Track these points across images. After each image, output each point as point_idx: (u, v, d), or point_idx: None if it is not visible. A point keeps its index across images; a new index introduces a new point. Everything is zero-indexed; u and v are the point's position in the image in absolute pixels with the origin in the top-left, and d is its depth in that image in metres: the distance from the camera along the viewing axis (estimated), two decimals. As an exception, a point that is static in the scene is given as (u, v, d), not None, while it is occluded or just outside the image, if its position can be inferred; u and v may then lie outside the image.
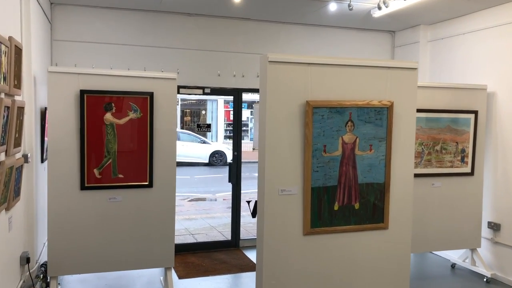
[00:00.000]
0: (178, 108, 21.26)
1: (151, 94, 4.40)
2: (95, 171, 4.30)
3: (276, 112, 3.14)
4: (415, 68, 3.44)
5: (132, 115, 4.38)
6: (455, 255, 5.81)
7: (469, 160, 5.40)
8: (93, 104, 4.24)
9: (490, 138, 5.49)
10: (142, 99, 4.39)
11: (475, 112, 5.36)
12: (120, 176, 4.40)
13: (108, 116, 4.31)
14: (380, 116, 3.35)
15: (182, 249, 6.27)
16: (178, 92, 5.81)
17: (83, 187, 4.26)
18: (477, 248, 5.49)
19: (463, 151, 5.38)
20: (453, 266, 5.79)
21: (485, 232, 5.50)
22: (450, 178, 5.35)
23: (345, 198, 3.33)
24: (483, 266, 5.38)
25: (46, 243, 4.58)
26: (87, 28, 5.70)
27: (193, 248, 6.39)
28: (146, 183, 4.47)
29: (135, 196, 4.45)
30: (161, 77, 4.48)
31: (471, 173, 5.41)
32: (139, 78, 4.41)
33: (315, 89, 3.20)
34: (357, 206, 3.37)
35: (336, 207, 3.32)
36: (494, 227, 5.41)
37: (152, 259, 4.57)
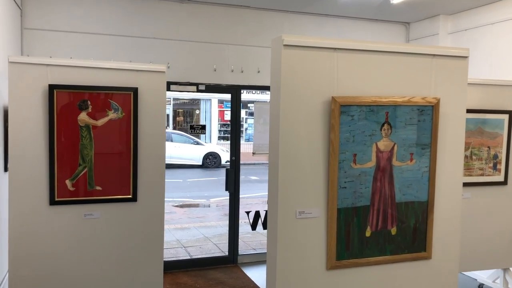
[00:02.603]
0: (170, 107, 20.50)
1: (135, 90, 3.67)
2: (67, 182, 3.56)
3: (293, 112, 2.42)
4: (466, 57, 2.73)
5: (112, 115, 3.65)
6: (483, 275, 5.13)
7: (502, 167, 4.71)
8: (64, 101, 3.51)
9: (525, 142, 4.80)
10: (124, 96, 3.65)
11: (509, 112, 4.67)
12: (98, 188, 3.66)
13: (83, 117, 3.58)
14: (423, 117, 2.64)
15: (173, 267, 5.55)
16: (169, 89, 5.10)
17: (52, 202, 3.52)
18: (510, 268, 4.81)
19: (495, 156, 4.69)
20: (480, 286, 5.11)
21: (519, 249, 4.82)
22: (481, 188, 4.65)
23: (379, 221, 2.62)
24: (518, 288, 4.70)
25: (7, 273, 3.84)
26: (64, 16, 4.96)
27: (186, 265, 5.67)
28: (129, 196, 3.73)
29: (116, 212, 3.72)
30: (147, 70, 3.75)
31: (505, 182, 4.72)
32: (120, 71, 3.67)
33: (342, 82, 2.49)
34: (394, 231, 2.66)
35: (368, 233, 2.60)
36: (530, 243, 4.73)
37: (137, 285, 3.83)
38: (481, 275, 5.14)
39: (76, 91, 3.53)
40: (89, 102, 3.58)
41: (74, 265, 3.60)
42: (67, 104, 3.51)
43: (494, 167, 4.70)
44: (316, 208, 2.48)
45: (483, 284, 5.11)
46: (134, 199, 3.74)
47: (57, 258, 3.55)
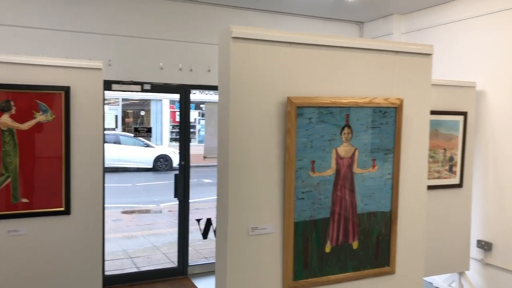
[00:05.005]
0: (119, 108, 19.71)
1: (67, 89, 3.26)
2: (-13, 195, 3.10)
3: (243, 114, 2.12)
4: (430, 54, 2.54)
5: (40, 117, 3.22)
6: (439, 279, 5.04)
7: (458, 169, 4.64)
8: (-17, 102, 3.06)
9: (480, 144, 4.76)
10: (54, 95, 3.24)
11: (464, 114, 4.60)
12: (24, 200, 3.22)
13: (5, 119, 3.13)
14: (386, 119, 2.42)
15: (118, 281, 5.12)
16: (110, 88, 4.68)
17: (-31, 218, 3.06)
18: (465, 271, 4.74)
19: (451, 159, 4.61)
20: (436, 291, 5.03)
21: (475, 252, 4.77)
22: (437, 191, 4.54)
23: (340, 235, 2.37)
24: (473, 291, 4.64)
25: None
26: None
27: (132, 279, 5.24)
28: (62, 208, 3.32)
29: (46, 227, 3.29)
30: (82, 67, 3.34)
31: (460, 185, 4.65)
32: (50, 68, 3.25)
33: (299, 81, 2.22)
34: (355, 245, 2.42)
35: (328, 249, 2.35)
36: (485, 246, 4.68)
37: (71, 308, 3.42)
38: (437, 279, 5.05)
39: (-4, 90, 3.08)
40: (12, 103, 3.14)
41: (-4, 289, 3.15)
42: (-15, 105, 3.06)
43: (450, 169, 4.61)
44: (271, 223, 2.20)
45: (439, 288, 5.03)
46: (67, 211, 3.33)
47: (-25, 282, 3.09)
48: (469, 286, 4.69)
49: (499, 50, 4.53)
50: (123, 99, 20.10)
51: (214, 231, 5.00)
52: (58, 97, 3.24)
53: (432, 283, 5.11)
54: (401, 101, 2.43)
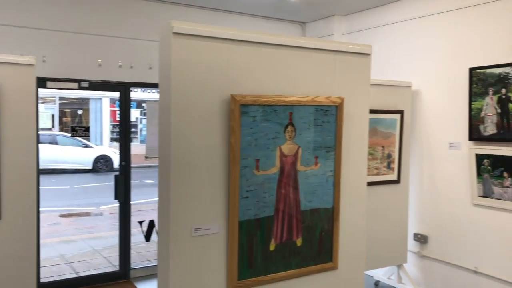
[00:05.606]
0: (56, 106, 18.84)
1: (-5, 86, 3.05)
2: None
3: (186, 112, 2.07)
4: (369, 54, 2.61)
5: (-36, 116, 2.99)
6: (379, 272, 5.22)
7: (395, 166, 4.82)
8: None
9: (415, 141, 4.97)
10: (-19, 93, 3.02)
11: (401, 113, 4.79)
12: None
13: None
14: (327, 117, 2.46)
15: (55, 287, 4.88)
16: (44, 86, 4.44)
17: None
18: (403, 264, 4.94)
19: (389, 156, 4.78)
20: (376, 284, 5.20)
21: (412, 245, 4.98)
22: (376, 187, 4.70)
23: (284, 232, 2.38)
24: (411, 283, 4.84)
25: None
26: None
27: (70, 285, 5.02)
28: (-9, 214, 3.10)
29: (-27, 234, 3.06)
30: (12, 62, 3.14)
31: (398, 181, 4.84)
32: (-25, 63, 3.03)
33: (243, 79, 2.20)
34: (299, 242, 2.44)
35: (272, 247, 2.35)
36: (421, 239, 4.90)
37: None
38: (377, 272, 5.23)
39: None
40: None
41: None
42: None
43: (388, 166, 4.78)
44: (215, 223, 2.17)
45: (379, 281, 5.21)
46: (-4, 217, 3.11)
47: None
48: (407, 278, 4.89)
49: (431, 51, 4.75)
50: (60, 98, 19.23)
51: (157, 233, 4.90)
52: (-15, 94, 3.02)
53: (372, 277, 5.27)
54: (342, 99, 2.48)
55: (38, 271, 4.35)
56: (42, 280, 4.81)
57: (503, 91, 4.03)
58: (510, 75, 3.97)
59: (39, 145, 4.23)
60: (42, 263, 4.95)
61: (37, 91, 3.64)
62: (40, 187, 4.34)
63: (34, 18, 4.54)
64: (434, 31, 4.71)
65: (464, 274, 4.47)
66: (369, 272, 5.30)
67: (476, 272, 4.34)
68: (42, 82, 4.37)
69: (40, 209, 4.31)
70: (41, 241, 4.42)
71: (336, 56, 2.48)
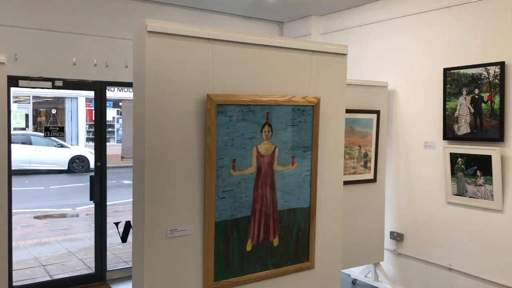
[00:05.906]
0: (30, 106, 18.45)
1: (-37, 85, 2.96)
2: None
3: (161, 112, 2.05)
4: (345, 54, 2.62)
5: None
6: (356, 270, 5.26)
7: (372, 165, 4.87)
8: None
9: (391, 140, 5.04)
10: None
11: (377, 112, 4.84)
12: None
13: None
14: (304, 117, 2.46)
15: (27, 292, 4.76)
16: (16, 85, 4.34)
17: None
18: (380, 262, 5.00)
19: (366, 155, 4.83)
20: (354, 282, 5.25)
21: (388, 243, 5.04)
22: (353, 186, 4.73)
23: (261, 233, 2.37)
24: (387, 281, 4.89)
25: None
26: None
27: (43, 289, 4.91)
28: (-41, 216, 3.01)
29: None
30: (-19, 60, 3.05)
31: (374, 180, 4.89)
32: None
33: (219, 78, 2.18)
34: (276, 242, 2.43)
35: (249, 247, 2.34)
36: (397, 237, 4.96)
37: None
38: (354, 271, 5.27)
39: None
40: None
41: None
42: None
43: (365, 165, 4.83)
44: (191, 224, 2.14)
45: (356, 280, 5.25)
46: (-35, 220, 3.01)
47: None
48: (383, 276, 4.94)
49: (407, 52, 4.82)
50: (34, 97, 18.85)
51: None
52: (-47, 93, 2.93)
53: (350, 275, 5.32)
54: (318, 99, 2.49)
55: (10, 274, 4.25)
56: (14, 284, 4.70)
57: (476, 91, 4.11)
58: (483, 75, 4.06)
59: (12, 145, 4.13)
60: (14, 266, 4.84)
61: (8, 90, 3.55)
62: (12, 188, 4.25)
63: (5, 15, 4.43)
64: (410, 32, 4.78)
65: (439, 271, 4.55)
66: (346, 271, 5.34)
67: (450, 269, 4.42)
68: (13, 81, 4.27)
69: (13, 210, 4.21)
70: (14, 243, 4.31)
71: (312, 56, 2.49)
